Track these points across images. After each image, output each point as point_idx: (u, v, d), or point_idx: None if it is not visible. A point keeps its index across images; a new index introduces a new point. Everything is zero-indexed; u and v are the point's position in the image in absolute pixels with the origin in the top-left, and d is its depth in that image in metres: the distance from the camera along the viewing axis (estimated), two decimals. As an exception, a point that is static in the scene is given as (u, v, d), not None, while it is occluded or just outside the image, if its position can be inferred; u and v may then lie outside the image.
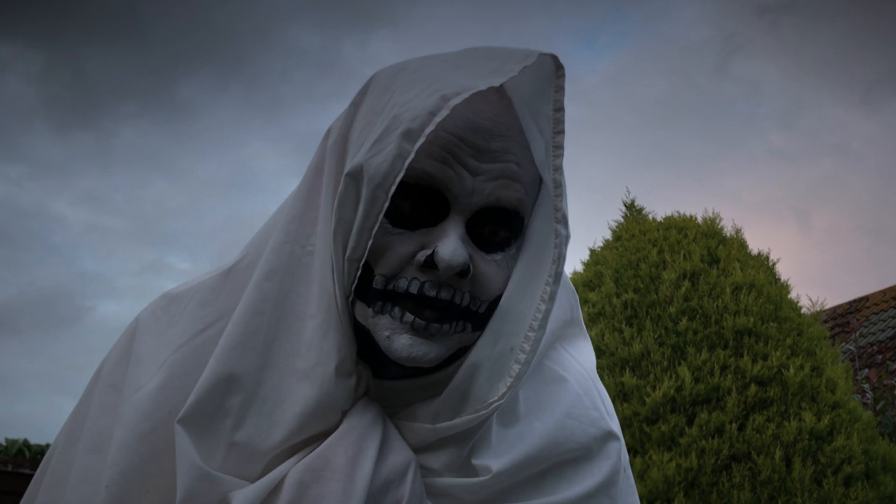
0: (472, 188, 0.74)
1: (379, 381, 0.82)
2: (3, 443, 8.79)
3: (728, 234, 3.75)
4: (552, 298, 0.77)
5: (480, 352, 0.78)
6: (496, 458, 0.78)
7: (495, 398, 0.77)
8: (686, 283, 3.38)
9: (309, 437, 0.78)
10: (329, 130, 0.82)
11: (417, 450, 0.79)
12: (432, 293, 0.74)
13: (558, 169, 0.76)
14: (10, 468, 6.03)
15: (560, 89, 0.76)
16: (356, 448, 0.75)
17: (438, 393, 0.80)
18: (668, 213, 3.93)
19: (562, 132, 0.76)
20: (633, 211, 4.02)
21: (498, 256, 0.78)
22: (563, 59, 0.75)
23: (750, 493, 2.83)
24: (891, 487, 2.93)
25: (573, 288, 0.93)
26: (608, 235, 3.90)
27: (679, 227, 3.72)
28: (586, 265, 3.79)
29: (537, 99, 0.77)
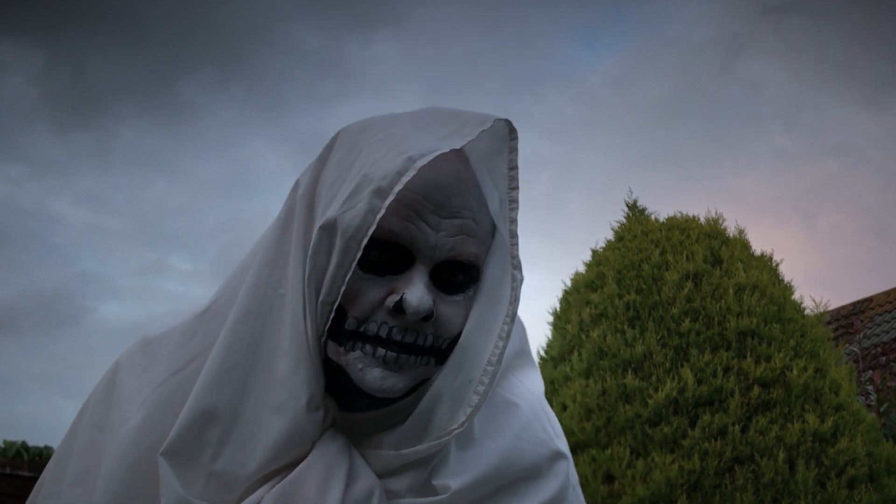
0: (435, 243, 0.81)
1: (345, 414, 0.88)
2: (2, 445, 8.76)
3: (731, 235, 3.74)
4: (508, 336, 0.85)
5: (442, 384, 0.85)
6: (454, 478, 0.85)
7: (455, 426, 0.83)
8: (689, 284, 3.37)
9: (281, 467, 0.83)
10: (297, 183, 0.89)
11: (381, 475, 0.85)
12: (398, 337, 0.81)
13: (514, 221, 0.85)
14: (8, 470, 6.04)
15: (514, 150, 0.84)
16: (325, 475, 0.81)
17: (400, 422, 0.86)
18: (671, 214, 3.92)
19: (516, 188, 0.84)
20: (635, 211, 4.00)
21: (458, 297, 0.85)
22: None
23: (753, 496, 2.82)
24: (895, 490, 2.91)
25: (522, 322, 1.01)
26: (610, 236, 3.89)
27: (681, 227, 3.71)
28: (588, 266, 3.77)
29: (493, 158, 0.85)
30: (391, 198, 0.78)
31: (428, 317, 0.81)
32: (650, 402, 3.03)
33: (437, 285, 0.83)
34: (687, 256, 3.50)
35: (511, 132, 0.84)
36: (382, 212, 0.78)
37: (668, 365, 3.15)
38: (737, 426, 2.95)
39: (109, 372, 0.95)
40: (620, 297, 3.43)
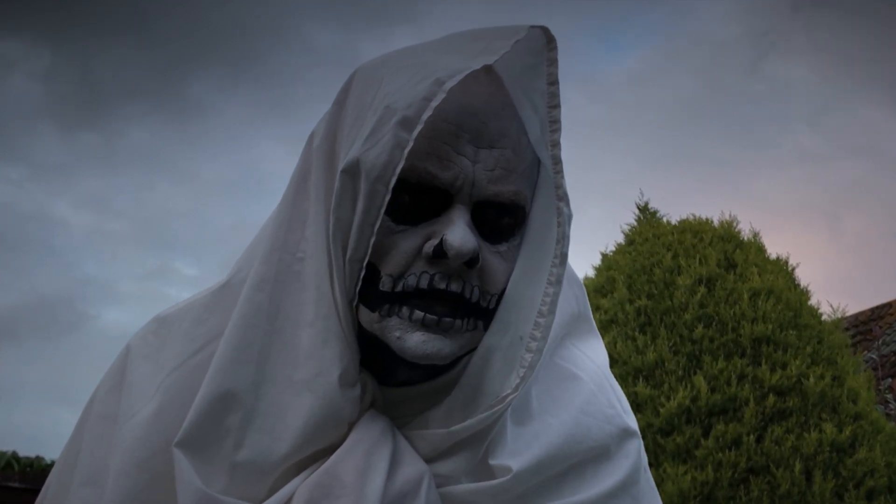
0: (473, 178, 0.73)
1: (385, 390, 0.79)
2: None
3: (745, 238, 3.72)
4: (559, 281, 0.76)
5: (490, 342, 0.76)
6: (515, 457, 0.76)
7: (509, 391, 0.75)
8: (702, 289, 3.35)
9: (314, 453, 0.75)
10: (313, 134, 0.81)
11: (430, 458, 0.77)
12: (442, 285, 0.72)
13: (556, 144, 0.76)
14: (-2, 481, 6.03)
15: (553, 62, 0.75)
16: (365, 462, 0.73)
17: (448, 394, 0.77)
18: (683, 217, 3.88)
19: (557, 106, 0.75)
20: (646, 214, 3.97)
21: (503, 247, 0.77)
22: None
23: (768, 508, 2.78)
24: (916, 502, 2.87)
25: (579, 279, 0.91)
26: (621, 239, 3.88)
27: (694, 230, 3.70)
28: (598, 270, 3.78)
29: (528, 74, 0.76)
30: (419, 127, 0.70)
31: (473, 261, 0.72)
32: (662, 410, 3.02)
33: (479, 232, 0.74)
34: (700, 260, 3.48)
35: (549, 41, 0.75)
36: (411, 144, 0.70)
37: (680, 372, 3.13)
38: (752, 436, 2.94)
39: (120, 357, 0.87)
40: (631, 302, 3.41)
